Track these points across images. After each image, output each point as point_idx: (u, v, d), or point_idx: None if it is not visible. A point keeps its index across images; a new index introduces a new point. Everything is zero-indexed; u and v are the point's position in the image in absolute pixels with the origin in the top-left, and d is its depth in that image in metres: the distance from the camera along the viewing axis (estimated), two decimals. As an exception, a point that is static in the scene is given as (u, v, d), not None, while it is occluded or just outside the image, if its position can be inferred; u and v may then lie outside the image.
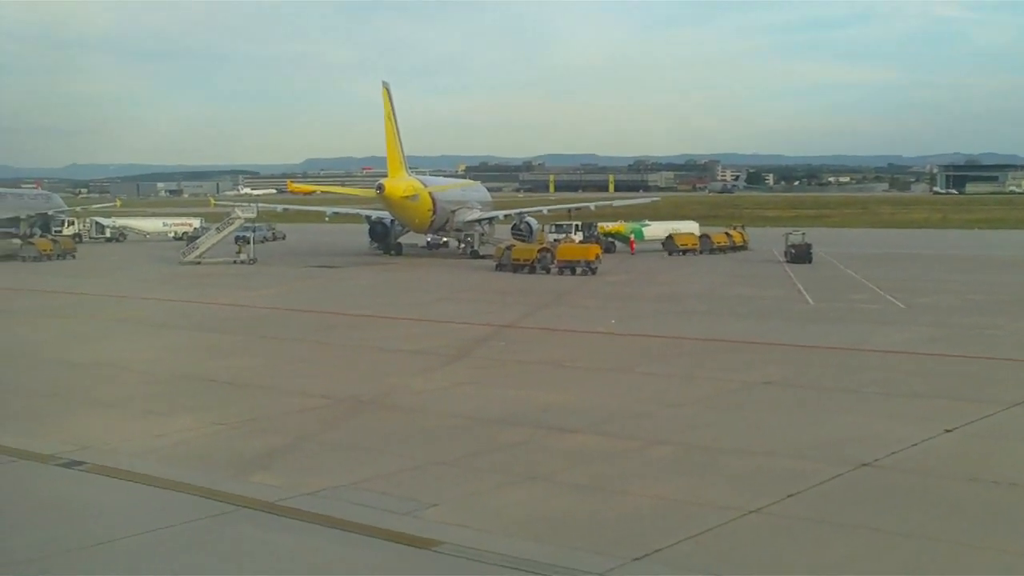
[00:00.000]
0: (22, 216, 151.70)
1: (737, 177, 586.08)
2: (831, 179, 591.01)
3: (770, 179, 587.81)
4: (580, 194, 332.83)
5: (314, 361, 47.01)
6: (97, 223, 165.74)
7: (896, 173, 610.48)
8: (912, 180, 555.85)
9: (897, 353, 46.93)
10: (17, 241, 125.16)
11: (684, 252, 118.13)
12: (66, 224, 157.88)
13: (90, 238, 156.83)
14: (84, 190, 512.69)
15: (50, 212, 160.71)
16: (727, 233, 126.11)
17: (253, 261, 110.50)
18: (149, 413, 35.23)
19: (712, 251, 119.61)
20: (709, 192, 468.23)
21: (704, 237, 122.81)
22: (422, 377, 41.89)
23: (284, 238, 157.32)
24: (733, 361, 45.38)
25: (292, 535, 22.06)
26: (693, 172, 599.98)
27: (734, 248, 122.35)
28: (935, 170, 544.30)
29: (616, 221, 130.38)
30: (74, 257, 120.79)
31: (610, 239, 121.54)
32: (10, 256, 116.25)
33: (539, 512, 23.51)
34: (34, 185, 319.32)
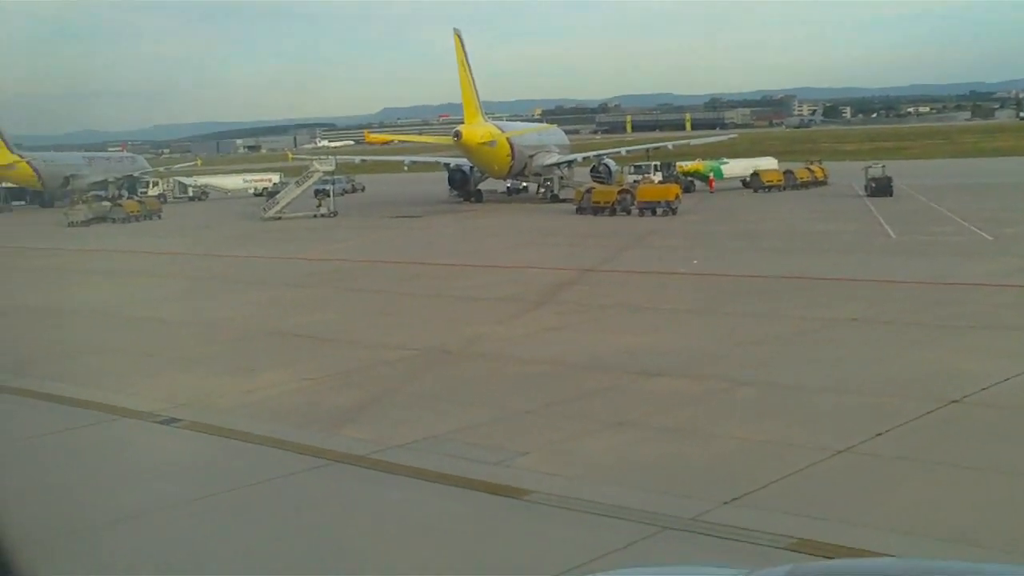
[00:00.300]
0: (110, 179, 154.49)
1: (814, 112, 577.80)
2: (910, 110, 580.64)
3: (847, 112, 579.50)
4: (657, 134, 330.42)
5: (398, 312, 47.28)
6: (180, 183, 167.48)
7: (979, 100, 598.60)
8: (996, 107, 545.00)
9: (985, 286, 46.31)
10: (107, 203, 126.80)
11: (769, 189, 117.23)
12: (151, 185, 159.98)
13: (174, 198, 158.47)
14: (166, 150, 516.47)
15: (135, 174, 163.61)
16: (808, 168, 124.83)
17: (334, 214, 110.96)
18: (238, 369, 35.74)
19: (796, 187, 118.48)
20: (786, 127, 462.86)
21: (788, 173, 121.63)
22: (506, 325, 42.07)
23: (363, 189, 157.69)
24: (816, 298, 45.09)
25: (384, 488, 22.38)
26: (769, 108, 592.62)
27: (816, 183, 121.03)
28: (1021, 95, 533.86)
29: (694, 160, 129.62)
30: (160, 217, 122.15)
31: (689, 178, 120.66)
32: (101, 218, 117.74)
33: (628, 458, 23.66)
34: (120, 148, 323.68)
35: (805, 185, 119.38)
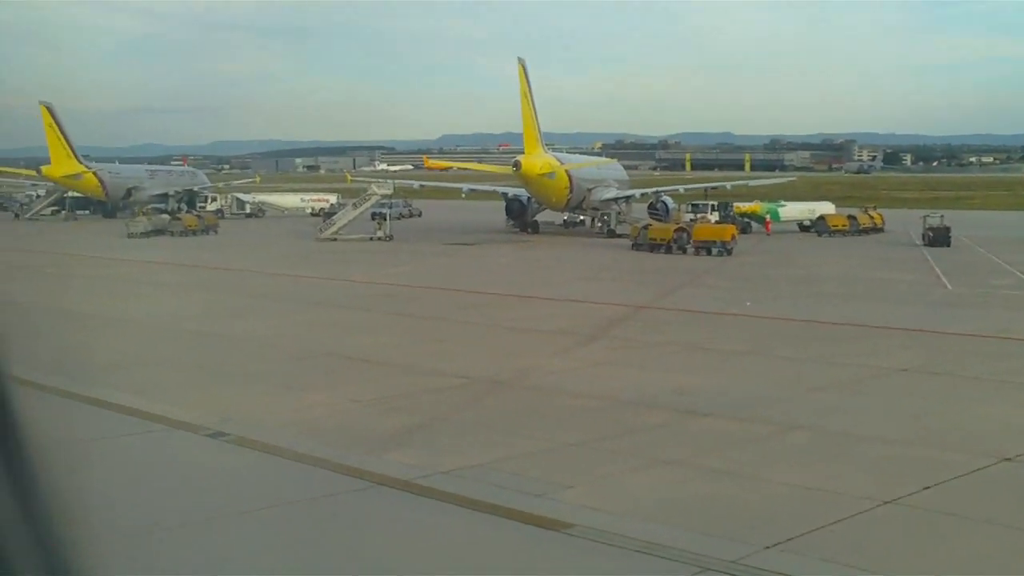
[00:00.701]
0: (170, 192, 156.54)
1: (874, 157, 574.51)
2: (972, 159, 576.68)
3: (908, 159, 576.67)
4: (716, 173, 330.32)
5: (450, 340, 47.35)
6: (238, 199, 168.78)
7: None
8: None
9: (1042, 342, 45.90)
10: (166, 216, 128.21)
11: (832, 233, 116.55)
12: (209, 200, 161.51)
13: (231, 214, 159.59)
14: (226, 166, 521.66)
15: (195, 188, 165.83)
16: (869, 215, 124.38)
17: (390, 238, 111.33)
18: (288, 388, 35.95)
19: (858, 232, 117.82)
20: (845, 172, 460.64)
21: (851, 218, 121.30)
22: (558, 357, 42.05)
23: (420, 215, 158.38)
24: (870, 346, 44.75)
25: (426, 513, 22.39)
26: (829, 152, 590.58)
27: (874, 229, 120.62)
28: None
29: (752, 201, 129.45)
30: (216, 232, 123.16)
31: (746, 219, 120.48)
32: (160, 231, 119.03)
33: (673, 496, 23.57)
34: (181, 162, 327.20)
35: (866, 231, 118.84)
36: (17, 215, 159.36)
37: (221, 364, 41.02)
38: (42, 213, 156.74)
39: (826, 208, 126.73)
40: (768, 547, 19.86)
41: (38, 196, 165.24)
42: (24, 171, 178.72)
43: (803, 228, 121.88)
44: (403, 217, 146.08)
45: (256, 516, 22.02)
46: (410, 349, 44.40)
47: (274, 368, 40.07)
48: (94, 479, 23.76)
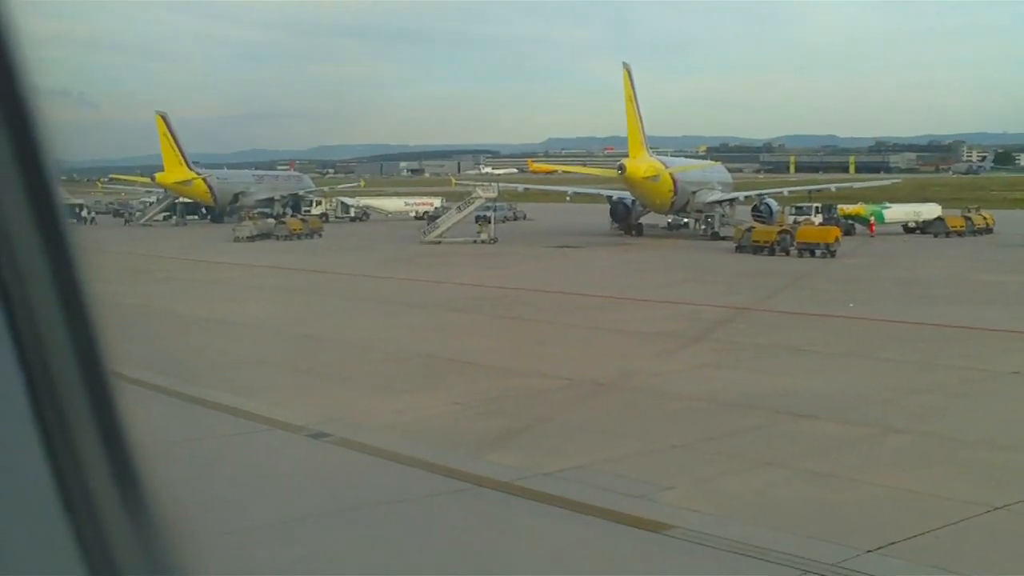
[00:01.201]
0: (276, 197, 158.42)
1: (983, 158, 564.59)
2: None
3: (1021, 159, 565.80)
4: (820, 175, 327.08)
5: (554, 342, 47.39)
6: (342, 203, 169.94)
7: None
8: None
9: None
10: (271, 221, 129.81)
11: (948, 234, 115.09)
12: (314, 204, 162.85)
13: (335, 217, 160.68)
14: (331, 170, 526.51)
15: (300, 192, 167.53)
16: (982, 215, 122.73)
17: (494, 241, 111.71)
18: (391, 390, 36.18)
19: (974, 233, 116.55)
20: (953, 173, 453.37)
21: (967, 219, 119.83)
22: (661, 359, 41.97)
23: (525, 218, 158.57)
24: (978, 349, 43.99)
25: (526, 514, 22.46)
26: (936, 153, 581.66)
27: (987, 230, 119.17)
28: None
29: (856, 203, 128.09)
30: (321, 236, 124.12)
31: (850, 221, 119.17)
32: (265, 235, 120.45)
33: (773, 498, 23.41)
34: (287, 166, 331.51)
35: (979, 232, 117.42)
36: (127, 220, 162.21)
37: (324, 366, 41.39)
38: (155, 219, 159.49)
39: (932, 210, 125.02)
40: (870, 551, 19.62)
41: (153, 202, 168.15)
42: (139, 178, 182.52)
43: (908, 230, 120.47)
44: (507, 220, 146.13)
45: (356, 516, 22.20)
46: (513, 351, 44.52)
47: (377, 370, 40.34)
48: (199, 478, 24.15)
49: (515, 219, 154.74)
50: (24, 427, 3.12)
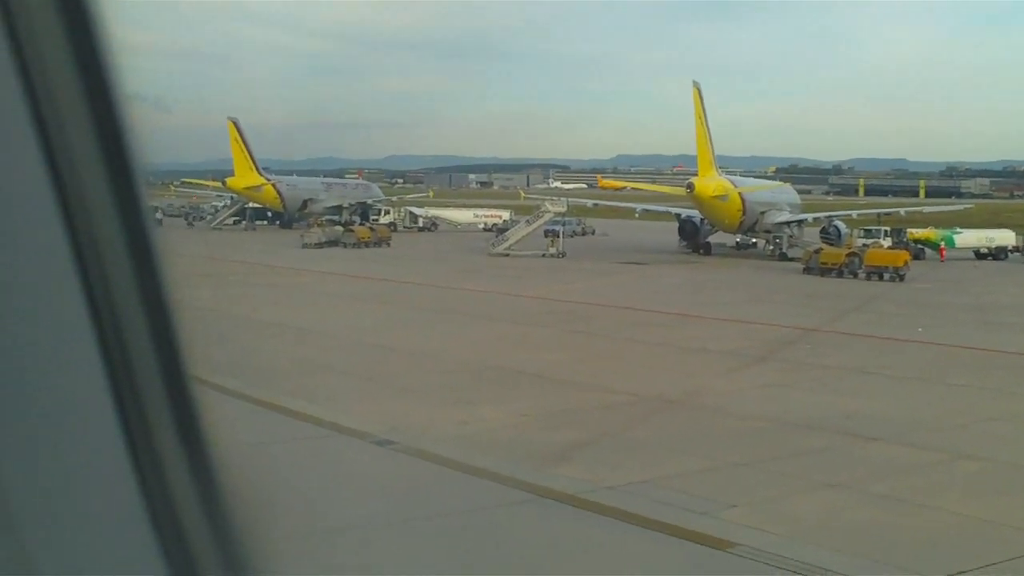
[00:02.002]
0: (344, 205, 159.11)
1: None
2: None
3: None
4: (889, 199, 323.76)
5: (620, 357, 47.36)
6: (411, 212, 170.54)
7: None
8: None
9: None
10: (339, 228, 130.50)
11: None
12: (383, 213, 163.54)
13: (404, 227, 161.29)
14: (400, 180, 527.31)
15: (369, 201, 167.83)
16: None
17: (562, 255, 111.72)
18: (457, 400, 36.28)
19: None
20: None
21: None
22: (727, 378, 41.89)
23: (593, 233, 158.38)
24: (1052, 378, 43.62)
25: (588, 527, 22.46)
26: (1012, 179, 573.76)
27: None
28: None
29: (926, 227, 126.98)
30: (388, 245, 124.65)
31: (920, 245, 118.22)
32: (333, 242, 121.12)
33: (837, 520, 23.31)
34: (356, 175, 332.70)
35: None
36: (190, 223, 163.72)
37: (391, 374, 41.63)
38: (224, 223, 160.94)
39: (1006, 236, 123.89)
40: (938, 577, 19.51)
41: (223, 206, 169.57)
42: (210, 183, 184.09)
43: (979, 256, 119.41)
44: (575, 235, 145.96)
45: (419, 524, 22.29)
46: (579, 365, 44.51)
47: (443, 380, 40.47)
48: (270, 481, 24.29)
49: (583, 234, 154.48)
50: (109, 429, 3.22)
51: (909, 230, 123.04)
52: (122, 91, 3.22)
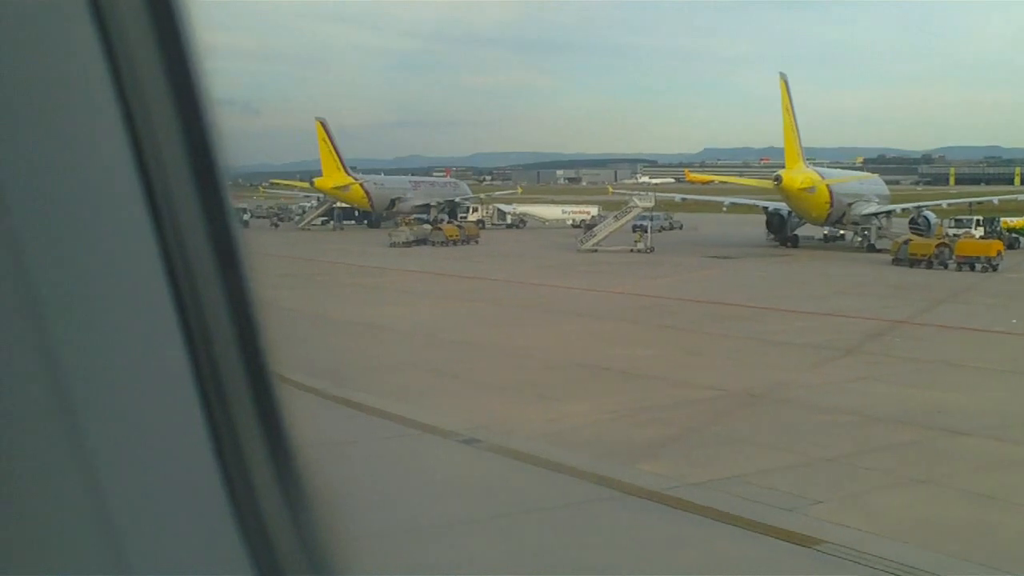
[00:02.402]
0: (432, 203, 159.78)
1: None
2: None
3: None
4: (982, 187, 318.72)
5: (707, 352, 47.22)
6: (499, 210, 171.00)
7: None
8: None
9: None
10: (428, 227, 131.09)
11: None
12: (471, 210, 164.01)
13: (492, 224, 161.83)
14: (488, 177, 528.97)
15: (457, 199, 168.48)
16: None
17: (650, 250, 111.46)
18: (544, 398, 36.36)
19: None
20: None
21: None
22: (813, 372, 41.58)
23: (681, 227, 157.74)
24: None
25: (673, 524, 22.40)
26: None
27: None
28: None
29: (1021, 216, 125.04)
30: (477, 242, 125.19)
31: (1014, 235, 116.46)
32: (421, 241, 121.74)
33: (927, 517, 23.04)
34: (444, 173, 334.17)
35: None
36: (274, 224, 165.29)
37: (477, 372, 41.79)
38: (312, 223, 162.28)
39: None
40: (1031, 575, 19.28)
41: (311, 207, 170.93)
42: (298, 183, 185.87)
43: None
44: (664, 230, 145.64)
45: (505, 521, 22.35)
46: (666, 361, 44.39)
47: (530, 377, 40.52)
48: (355, 480, 24.54)
49: (671, 228, 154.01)
50: (195, 430, 3.29)
51: (1003, 219, 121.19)
52: (210, 94, 3.29)
